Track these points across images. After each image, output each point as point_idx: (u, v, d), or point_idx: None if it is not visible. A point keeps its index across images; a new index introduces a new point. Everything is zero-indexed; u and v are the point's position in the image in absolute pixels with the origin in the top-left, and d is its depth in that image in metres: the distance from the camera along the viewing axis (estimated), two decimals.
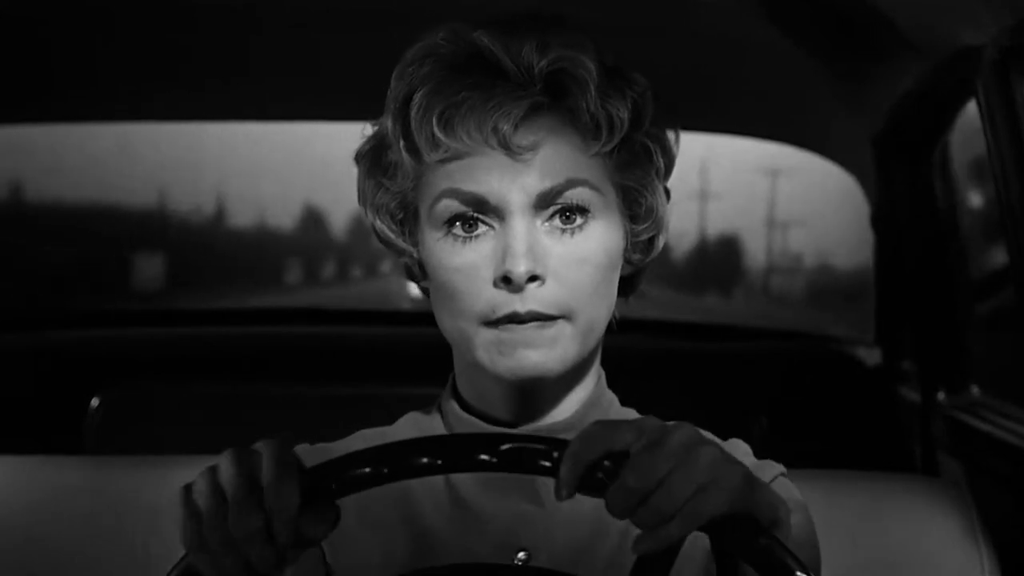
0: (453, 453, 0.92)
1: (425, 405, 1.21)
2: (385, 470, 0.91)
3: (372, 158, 1.13)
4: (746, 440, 1.17)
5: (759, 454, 1.16)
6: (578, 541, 1.12)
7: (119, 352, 2.44)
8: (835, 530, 1.40)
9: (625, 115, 1.09)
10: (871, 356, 2.43)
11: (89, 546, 1.58)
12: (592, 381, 1.15)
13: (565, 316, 1.07)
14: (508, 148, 1.05)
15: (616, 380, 1.18)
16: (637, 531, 0.89)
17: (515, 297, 1.05)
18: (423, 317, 2.07)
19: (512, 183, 1.06)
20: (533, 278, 1.05)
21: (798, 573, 0.89)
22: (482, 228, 1.07)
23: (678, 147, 1.15)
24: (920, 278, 2.17)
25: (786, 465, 1.16)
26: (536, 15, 1.09)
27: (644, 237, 1.14)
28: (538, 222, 1.07)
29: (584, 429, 0.90)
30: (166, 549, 1.23)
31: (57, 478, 1.64)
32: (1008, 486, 1.80)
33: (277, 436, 0.92)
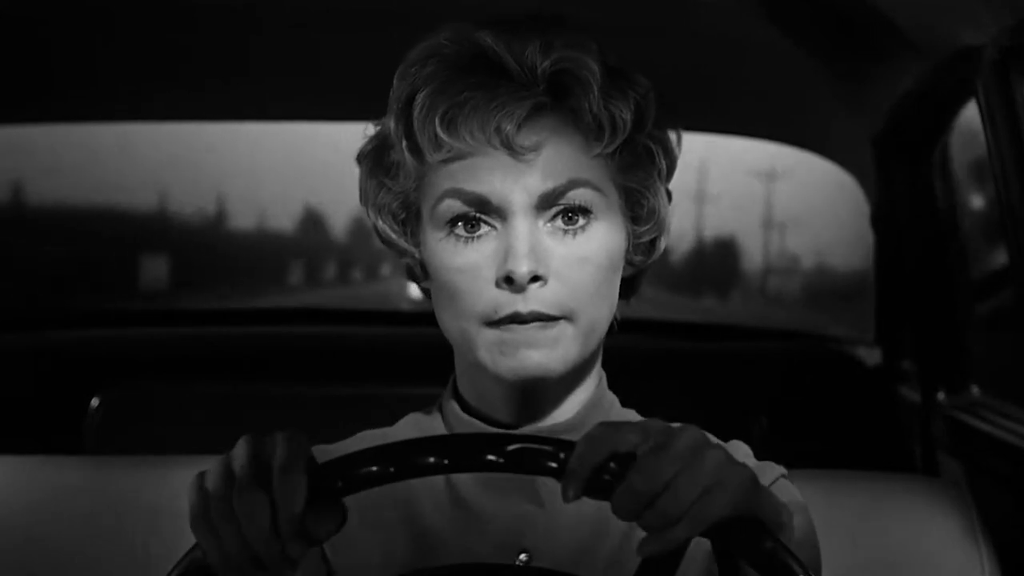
0: (460, 453, 0.92)
1: (425, 405, 1.20)
2: (391, 469, 0.91)
3: (374, 158, 1.13)
4: (746, 440, 1.17)
5: (759, 454, 1.16)
6: (579, 542, 1.12)
7: (119, 352, 2.44)
8: (835, 530, 1.40)
9: (628, 116, 1.09)
10: (871, 356, 2.43)
11: (89, 546, 1.58)
12: (593, 382, 1.15)
13: (567, 317, 1.07)
14: (511, 148, 1.05)
15: (616, 380, 1.18)
16: (639, 532, 0.89)
17: (517, 297, 1.05)
18: (423, 317, 2.08)
19: (515, 183, 1.06)
20: (535, 278, 1.05)
21: None
22: (484, 228, 1.07)
23: (680, 148, 1.15)
24: (920, 278, 2.17)
25: (786, 465, 1.15)
26: (539, 15, 1.09)
27: (646, 239, 1.14)
28: (540, 223, 1.07)
29: (589, 431, 0.90)
30: (166, 549, 1.24)
31: (57, 478, 1.64)
32: (1008, 486, 1.79)
33: (294, 430, 0.92)
